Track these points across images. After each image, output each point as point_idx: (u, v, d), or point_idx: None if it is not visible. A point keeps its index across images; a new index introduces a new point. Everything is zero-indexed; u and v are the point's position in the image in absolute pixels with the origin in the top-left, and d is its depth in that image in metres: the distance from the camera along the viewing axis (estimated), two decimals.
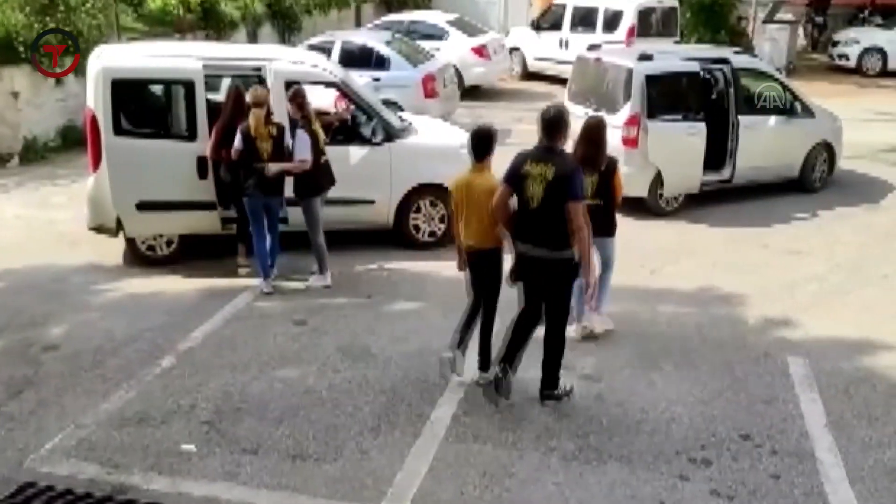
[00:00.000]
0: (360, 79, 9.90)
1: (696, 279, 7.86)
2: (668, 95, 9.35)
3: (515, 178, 5.33)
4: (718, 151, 9.67)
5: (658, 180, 9.37)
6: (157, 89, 8.14)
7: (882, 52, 18.93)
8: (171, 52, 8.20)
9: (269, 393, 5.80)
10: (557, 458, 5.12)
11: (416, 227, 8.51)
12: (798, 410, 5.66)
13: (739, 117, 9.63)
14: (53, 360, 6.24)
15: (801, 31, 20.88)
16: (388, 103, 9.85)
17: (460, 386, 5.90)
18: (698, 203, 9.51)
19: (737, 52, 10.61)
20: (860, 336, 6.74)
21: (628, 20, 16.33)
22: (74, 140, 11.86)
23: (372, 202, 8.29)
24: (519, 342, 5.62)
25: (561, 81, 14.78)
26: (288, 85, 7.92)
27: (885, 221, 9.50)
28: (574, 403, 5.71)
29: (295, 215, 7.78)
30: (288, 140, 7.32)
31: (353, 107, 8.58)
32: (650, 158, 9.22)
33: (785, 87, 10.34)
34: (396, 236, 8.51)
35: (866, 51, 19.02)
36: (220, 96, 8.86)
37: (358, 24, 20.84)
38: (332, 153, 8.10)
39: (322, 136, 7.46)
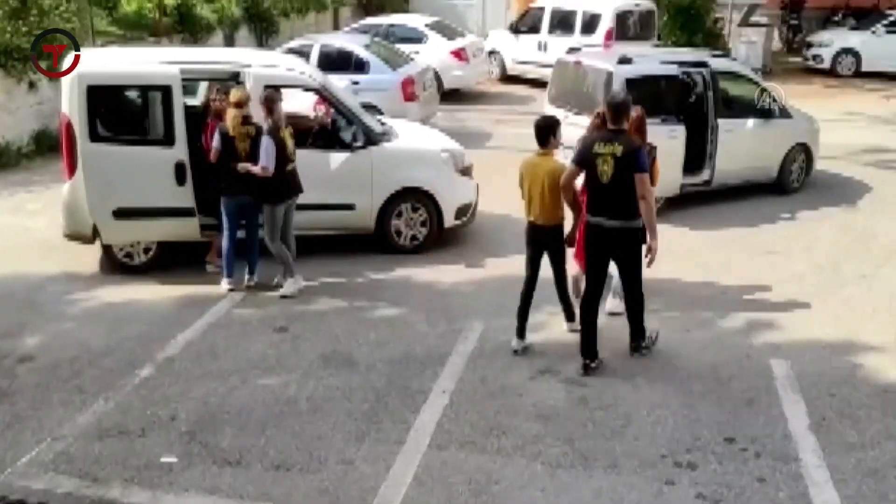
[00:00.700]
0: (339, 82, 9.84)
1: (678, 281, 7.88)
2: (647, 98, 9.35)
3: (585, 158, 5.99)
4: (698, 154, 9.71)
5: None
6: (134, 95, 8.01)
7: (855, 54, 19.16)
8: (148, 57, 8.10)
9: (251, 402, 5.73)
10: (543, 464, 5.10)
11: (398, 232, 8.46)
12: (781, 412, 5.69)
13: (718, 120, 9.68)
14: (29, 372, 6.12)
15: (776, 33, 21.09)
16: (367, 107, 9.80)
17: (444, 393, 5.86)
18: (678, 206, 9.54)
19: (715, 55, 10.67)
20: (841, 337, 6.78)
21: (606, 23, 16.40)
22: (49, 146, 11.69)
23: (353, 207, 8.23)
24: (590, 329, 6.23)
25: (540, 84, 14.79)
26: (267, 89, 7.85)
27: (862, 221, 9.60)
28: (559, 408, 5.69)
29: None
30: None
31: (332, 111, 8.52)
32: None
33: (762, 89, 10.41)
34: (378, 241, 8.45)
35: (840, 52, 19.24)
36: (197, 101, 8.81)
37: (336, 27, 20.77)
38: (312, 158, 8.08)
39: (291, 143, 7.31)
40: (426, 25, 16.64)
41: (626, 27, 16.71)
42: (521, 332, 6.54)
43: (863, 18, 20.66)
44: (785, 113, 10.42)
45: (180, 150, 7.50)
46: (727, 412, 5.69)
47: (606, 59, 9.93)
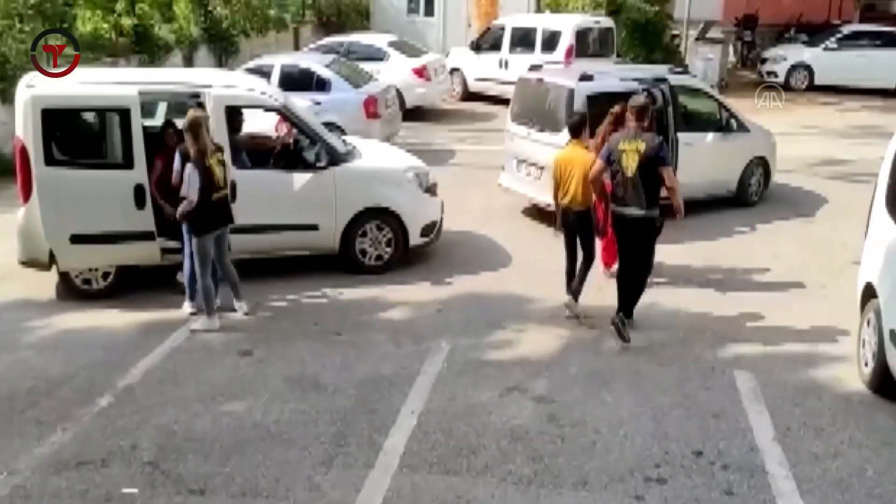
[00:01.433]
0: (300, 102, 9.78)
1: (643, 296, 7.92)
2: (608, 115, 9.47)
3: (611, 155, 6.66)
4: None
5: None
6: (91, 117, 7.88)
7: (808, 69, 19.66)
8: (105, 79, 7.96)
9: (215, 429, 5.61)
10: (514, 482, 5.07)
11: (363, 252, 8.40)
12: (747, 424, 5.74)
13: (678, 134, 9.81)
14: None
15: (731, 49, 21.55)
16: (329, 126, 9.76)
17: (412, 413, 5.81)
18: None
19: (674, 71, 10.84)
20: (803, 347, 6.89)
21: (566, 40, 16.60)
22: (3, 170, 11.41)
23: (316, 227, 8.16)
24: (625, 291, 6.93)
25: (501, 101, 14.93)
26: (228, 110, 7.78)
27: (820, 232, 9.79)
28: (528, 426, 5.67)
29: (239, 243, 7.65)
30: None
31: (294, 131, 8.46)
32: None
33: (720, 104, 10.60)
34: (343, 261, 8.39)
35: (794, 67, 19.73)
36: (156, 122, 8.68)
37: (296, 46, 20.71)
38: (275, 178, 8.02)
39: (219, 171, 6.93)
40: (387, 44, 16.68)
41: (586, 44, 16.94)
42: (575, 295, 7.33)
43: (815, 34, 21.23)
44: (742, 127, 10.61)
45: (139, 173, 7.37)
46: (694, 425, 5.72)
47: (568, 76, 10.02)
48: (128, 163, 7.40)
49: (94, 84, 7.70)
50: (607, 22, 17.85)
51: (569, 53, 16.44)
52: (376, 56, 16.14)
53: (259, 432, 5.58)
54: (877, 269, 6.35)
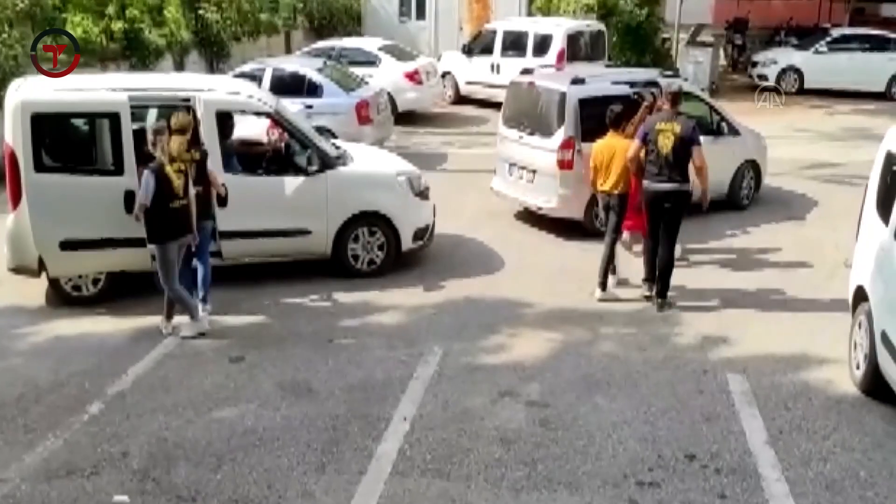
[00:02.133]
0: (292, 106, 9.76)
1: (631, 299, 7.95)
2: (600, 118, 9.47)
3: (648, 136, 7.46)
4: None
5: (593, 201, 9.45)
6: (81, 123, 7.83)
7: (798, 72, 19.74)
8: (95, 84, 7.91)
9: (206, 436, 5.58)
10: (507, 487, 5.06)
11: (355, 257, 8.38)
12: (739, 427, 5.74)
13: None
14: None
15: (721, 52, 21.62)
16: (321, 131, 9.74)
17: (405, 419, 5.79)
18: None
19: (665, 75, 10.87)
20: (794, 350, 6.90)
21: (558, 44, 16.61)
22: None
23: (308, 232, 8.14)
24: (652, 264, 7.72)
25: (493, 105, 14.91)
26: (219, 115, 7.76)
27: (810, 235, 9.82)
28: (521, 430, 5.66)
29: (231, 248, 7.64)
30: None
31: (286, 136, 8.44)
32: (585, 180, 9.31)
33: (711, 108, 10.63)
34: (335, 265, 8.36)
35: (784, 71, 19.80)
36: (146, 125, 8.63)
37: (288, 50, 20.67)
38: (266, 184, 7.99)
39: (178, 180, 6.79)
40: (379, 48, 16.66)
41: (578, 48, 16.96)
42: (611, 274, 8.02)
43: (805, 37, 21.32)
44: (733, 130, 10.64)
45: (129, 179, 7.33)
46: (687, 428, 5.73)
47: (559, 79, 10.03)
48: (118, 168, 7.37)
49: (83, 89, 7.65)
50: (598, 25, 17.88)
51: (560, 57, 16.44)
52: (368, 60, 16.11)
53: (251, 439, 5.55)
54: (868, 271, 6.37)
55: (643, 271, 7.99)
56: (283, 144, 8.59)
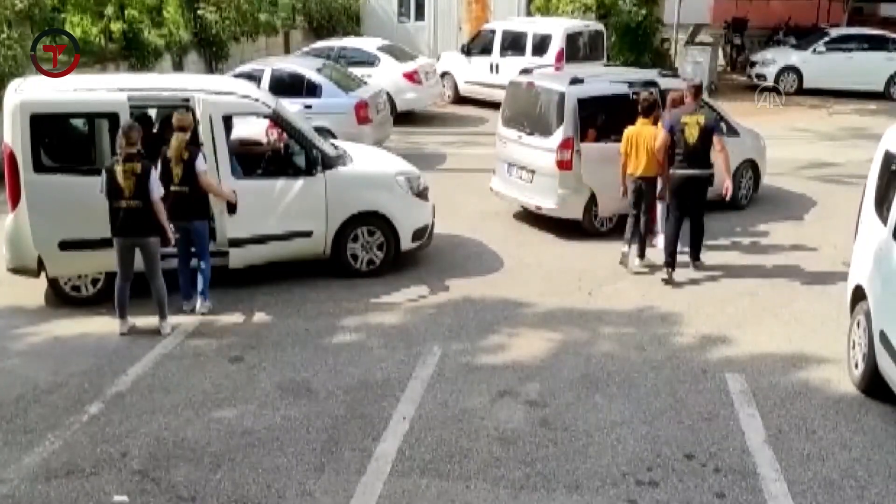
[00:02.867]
0: (291, 106, 9.76)
1: (634, 299, 7.96)
2: (599, 118, 9.51)
3: (675, 127, 8.21)
4: None
5: (592, 201, 9.49)
6: (80, 123, 7.83)
7: (797, 72, 19.75)
8: (94, 84, 7.92)
9: (206, 436, 5.58)
10: (506, 487, 5.06)
11: (354, 256, 8.39)
12: (738, 426, 5.75)
13: None
14: None
15: (720, 52, 21.63)
16: (320, 131, 9.74)
17: (404, 419, 5.79)
18: None
19: (663, 74, 10.87)
20: (793, 350, 6.91)
21: (557, 44, 16.62)
22: None
23: (310, 234, 8.13)
24: (672, 248, 8.36)
25: (492, 105, 14.93)
26: (225, 119, 7.78)
27: (809, 235, 9.82)
28: (520, 430, 5.67)
29: (239, 256, 7.78)
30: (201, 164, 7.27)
31: (285, 136, 8.43)
32: (584, 180, 9.35)
33: (710, 108, 10.62)
34: (334, 265, 8.37)
35: (783, 70, 19.81)
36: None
37: (287, 51, 20.68)
38: (270, 187, 7.97)
39: (121, 180, 6.69)
40: (378, 48, 16.67)
41: (576, 48, 16.97)
42: (640, 254, 8.63)
43: (803, 37, 21.32)
44: (732, 130, 10.64)
45: None
46: (686, 428, 5.73)
47: (558, 79, 10.04)
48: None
49: (82, 90, 7.65)
50: (597, 25, 17.90)
51: (559, 57, 16.46)
52: (367, 60, 16.12)
53: (250, 439, 5.55)
54: (866, 271, 6.38)
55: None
56: (282, 145, 8.58)
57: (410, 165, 9.16)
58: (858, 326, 6.36)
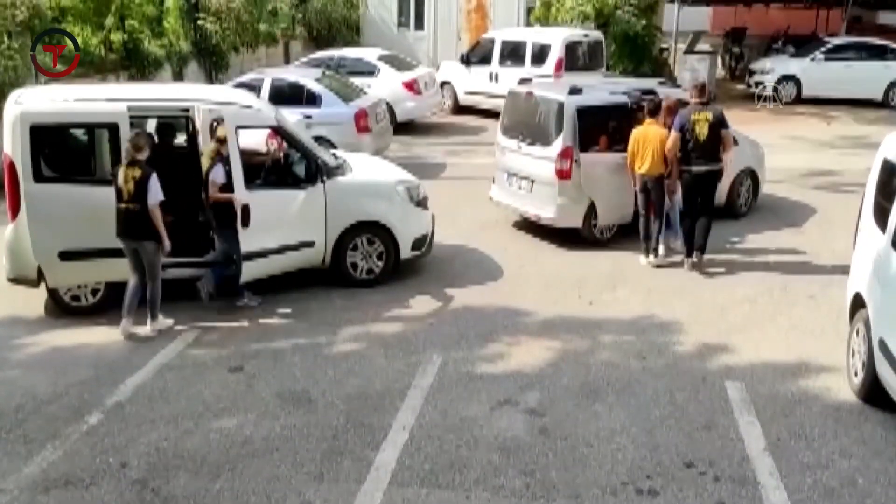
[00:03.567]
0: (291, 116, 9.79)
1: (633, 307, 7.96)
2: (598, 127, 9.53)
3: (685, 126, 8.52)
4: None
5: (592, 211, 9.50)
6: (80, 133, 7.86)
7: (796, 81, 19.80)
8: (94, 95, 7.94)
9: (205, 446, 5.58)
10: (506, 496, 5.05)
11: (354, 266, 8.39)
12: (738, 435, 5.74)
13: None
14: None
15: (719, 61, 21.70)
16: (320, 140, 9.76)
17: (404, 428, 5.79)
18: (629, 233, 9.64)
19: (662, 83, 10.91)
20: (793, 357, 6.90)
21: (556, 54, 16.68)
22: None
23: (312, 244, 8.14)
24: (698, 233, 8.80)
25: (492, 114, 14.97)
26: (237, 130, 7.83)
27: (808, 243, 9.83)
28: (519, 439, 5.66)
29: (250, 269, 7.77)
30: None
31: (285, 145, 8.45)
32: (584, 189, 9.36)
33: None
34: (333, 275, 8.37)
35: (782, 79, 19.86)
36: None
37: (287, 61, 20.75)
38: (276, 198, 7.96)
39: (121, 183, 6.97)
40: (378, 58, 16.73)
41: (576, 57, 17.02)
42: (647, 250, 9.02)
43: (802, 46, 21.40)
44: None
45: None
46: (685, 436, 5.72)
47: (557, 89, 10.07)
48: (117, 179, 7.36)
49: (82, 100, 7.68)
50: (596, 35, 17.95)
51: (558, 66, 16.52)
52: (367, 70, 16.18)
53: (249, 448, 5.55)
54: (865, 278, 6.38)
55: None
56: (281, 154, 8.60)
57: (410, 175, 9.18)
58: (858, 334, 6.36)
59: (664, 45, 20.34)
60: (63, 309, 7.68)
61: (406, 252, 8.53)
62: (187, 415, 5.97)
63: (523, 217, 10.13)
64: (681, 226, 9.01)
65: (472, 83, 17.95)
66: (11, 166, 7.21)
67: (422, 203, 8.79)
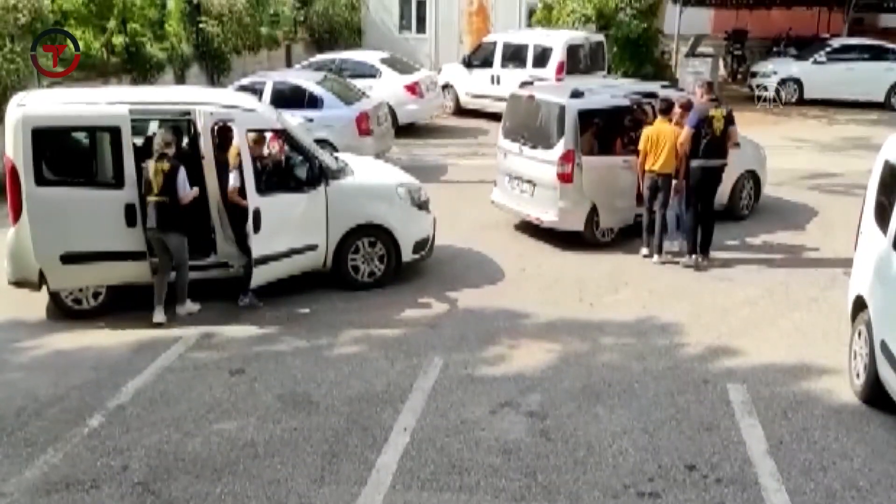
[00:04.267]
0: (293, 119, 9.80)
1: (635, 309, 7.96)
2: (600, 130, 9.54)
3: (702, 122, 8.70)
4: None
5: (594, 213, 9.50)
6: (81, 136, 7.87)
7: (798, 82, 19.78)
8: (96, 98, 7.96)
9: (206, 448, 5.58)
10: (506, 499, 5.05)
11: (356, 268, 8.40)
12: (739, 437, 5.73)
13: None
14: None
15: (721, 63, 21.68)
16: (321, 143, 9.76)
17: (405, 430, 5.79)
18: (631, 235, 9.65)
19: (664, 86, 10.91)
20: (794, 360, 6.89)
21: (557, 56, 16.67)
22: None
23: (315, 247, 8.14)
24: (703, 233, 8.99)
25: (494, 117, 14.96)
26: (220, 129, 7.82)
27: (810, 245, 9.82)
28: (520, 441, 5.66)
29: (260, 275, 7.80)
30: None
31: (286, 148, 8.46)
32: (585, 192, 9.36)
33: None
34: (335, 277, 8.38)
35: (783, 81, 19.84)
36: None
37: (288, 63, 20.77)
38: (284, 202, 7.94)
39: (151, 176, 7.31)
40: (379, 60, 16.74)
41: (577, 60, 17.02)
42: (649, 244, 9.21)
43: (804, 48, 21.37)
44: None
45: (130, 192, 7.36)
46: (687, 438, 5.72)
47: (559, 92, 10.07)
48: (118, 182, 7.40)
49: (84, 103, 7.69)
50: (598, 37, 17.95)
51: (560, 69, 16.51)
52: (368, 73, 16.19)
53: (250, 451, 5.55)
54: (867, 280, 6.37)
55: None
56: (283, 157, 8.61)
57: (411, 177, 9.19)
58: (859, 336, 6.35)
59: (665, 48, 20.34)
60: (64, 312, 7.69)
61: (407, 255, 8.53)
62: (188, 417, 5.97)
63: (524, 220, 10.12)
64: (687, 220, 9.10)
65: (473, 86, 17.94)
66: (13, 169, 7.22)
67: (423, 205, 8.79)
